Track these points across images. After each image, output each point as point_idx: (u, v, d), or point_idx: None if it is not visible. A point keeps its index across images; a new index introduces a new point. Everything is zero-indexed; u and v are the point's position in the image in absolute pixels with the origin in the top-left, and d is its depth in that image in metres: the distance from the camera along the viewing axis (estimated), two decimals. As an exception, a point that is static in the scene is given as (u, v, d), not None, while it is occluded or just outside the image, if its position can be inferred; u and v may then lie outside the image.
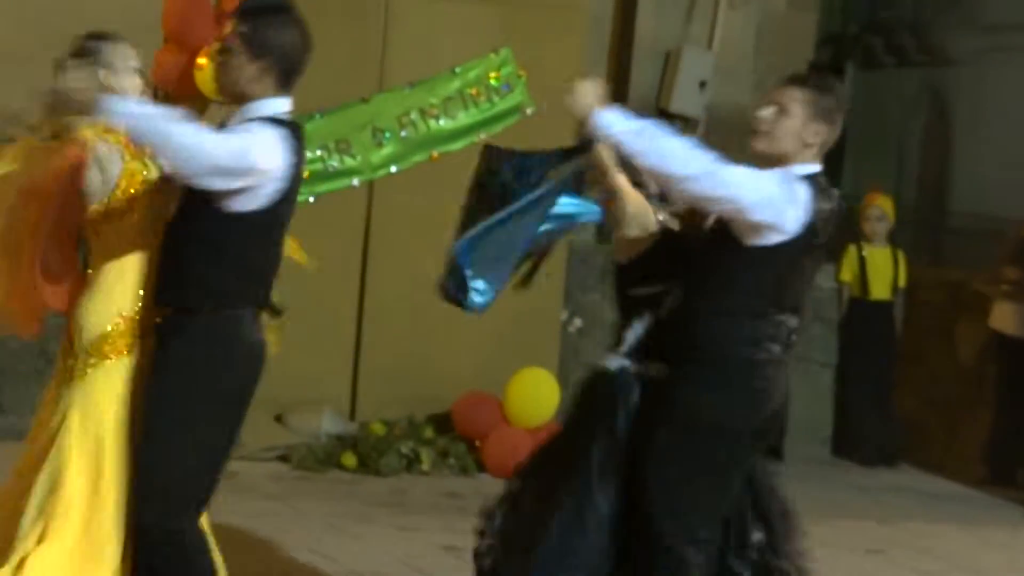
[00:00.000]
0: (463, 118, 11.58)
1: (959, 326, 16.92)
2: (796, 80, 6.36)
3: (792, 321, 6.09)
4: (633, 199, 6.08)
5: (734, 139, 15.84)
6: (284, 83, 5.60)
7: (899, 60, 25.16)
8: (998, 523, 13.80)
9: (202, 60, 10.68)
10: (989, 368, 15.67)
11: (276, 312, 6.38)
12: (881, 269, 16.43)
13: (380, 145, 11.27)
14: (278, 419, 13.82)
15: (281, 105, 5.59)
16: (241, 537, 10.53)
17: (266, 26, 5.54)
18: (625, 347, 6.14)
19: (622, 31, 16.45)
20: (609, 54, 16.29)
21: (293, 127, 5.62)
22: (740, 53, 17.02)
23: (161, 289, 5.60)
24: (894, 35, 25.76)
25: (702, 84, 16.80)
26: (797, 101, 6.03)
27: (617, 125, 5.75)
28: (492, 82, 11.68)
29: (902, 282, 16.43)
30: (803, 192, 5.70)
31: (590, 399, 6.31)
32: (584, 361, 12.95)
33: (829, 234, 6.15)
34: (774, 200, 5.67)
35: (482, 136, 10.95)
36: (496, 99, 11.65)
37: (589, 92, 5.89)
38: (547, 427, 12.55)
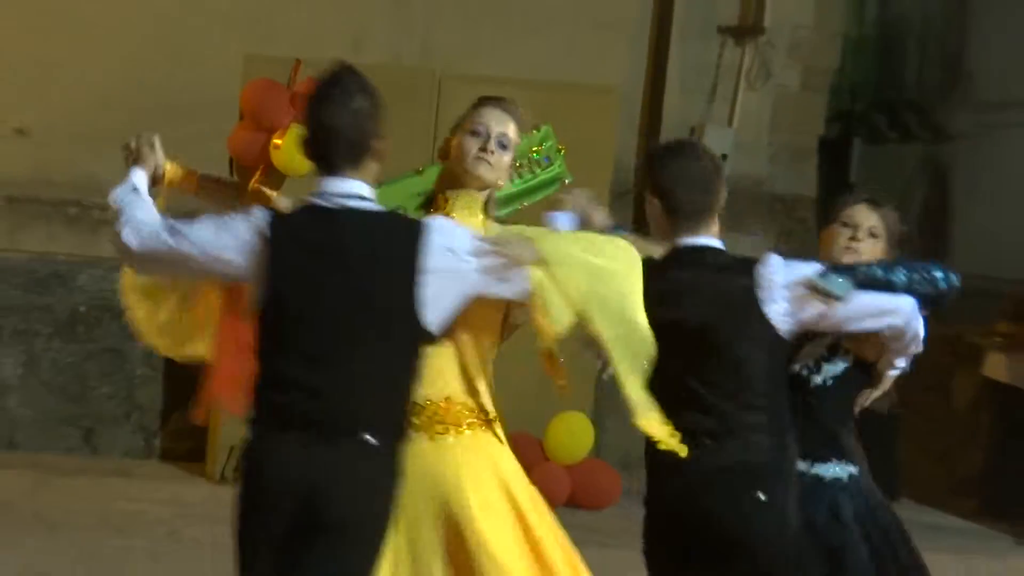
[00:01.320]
0: (508, 187, 12.26)
1: (955, 377, 17.12)
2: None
3: None
4: None
5: (749, 205, 16.66)
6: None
7: (902, 136, 25.81)
8: (990, 551, 14.31)
9: (277, 140, 12.25)
10: (983, 414, 15.95)
11: None
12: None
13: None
14: None
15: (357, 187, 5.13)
16: None
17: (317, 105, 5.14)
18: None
19: (650, 111, 16.52)
20: (639, 132, 16.21)
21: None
22: (757, 129, 17.05)
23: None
24: (897, 113, 26.38)
25: (723, 157, 15.46)
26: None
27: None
28: (534, 155, 11.82)
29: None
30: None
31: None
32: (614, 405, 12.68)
33: None
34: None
35: (524, 203, 12.56)
36: (538, 170, 11.87)
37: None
38: (582, 464, 13.70)
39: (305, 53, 12.88)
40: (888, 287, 5.28)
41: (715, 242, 5.39)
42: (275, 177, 11.97)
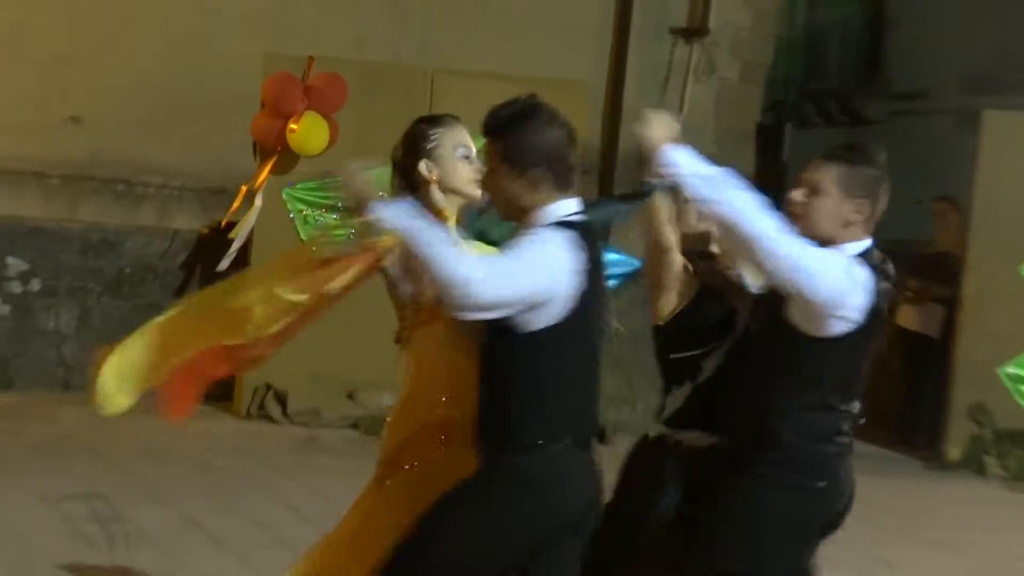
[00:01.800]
0: None
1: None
2: (827, 156, 5.08)
3: (856, 406, 5.03)
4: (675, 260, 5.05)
5: None
6: (562, 184, 4.50)
7: (826, 122, 26.52)
8: (905, 474, 14.68)
9: (293, 125, 12.39)
10: (896, 358, 16.21)
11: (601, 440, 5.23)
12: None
13: None
14: (350, 396, 13.34)
15: (565, 207, 4.47)
16: (321, 486, 10.85)
17: (522, 138, 4.47)
18: (664, 414, 5.22)
19: (612, 101, 16.85)
20: (603, 118, 16.62)
21: (582, 227, 4.50)
22: (703, 116, 17.25)
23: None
24: (823, 102, 26.99)
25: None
26: (829, 178, 4.88)
27: (688, 166, 4.65)
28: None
29: None
30: (862, 275, 4.66)
31: (634, 470, 5.33)
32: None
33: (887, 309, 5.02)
34: (842, 291, 4.62)
35: None
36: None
37: (661, 126, 4.71)
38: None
39: (317, 51, 13.10)
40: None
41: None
42: (290, 157, 12.81)
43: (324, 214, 11.60)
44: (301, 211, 12.79)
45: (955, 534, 12.59)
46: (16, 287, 12.99)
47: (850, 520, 5.45)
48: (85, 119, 14.23)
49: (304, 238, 12.15)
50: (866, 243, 4.94)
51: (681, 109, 16.68)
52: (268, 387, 13.05)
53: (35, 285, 13.06)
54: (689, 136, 15.94)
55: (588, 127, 14.78)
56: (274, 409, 13.12)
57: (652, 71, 16.83)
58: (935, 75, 24.70)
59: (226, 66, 13.34)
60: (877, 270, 4.83)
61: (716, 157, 15.68)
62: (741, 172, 15.92)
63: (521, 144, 4.43)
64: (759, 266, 4.66)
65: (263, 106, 12.55)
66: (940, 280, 16.27)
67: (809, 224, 4.85)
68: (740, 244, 4.66)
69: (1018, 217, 14.17)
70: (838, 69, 27.04)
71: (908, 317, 16.39)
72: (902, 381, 16.59)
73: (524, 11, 15.66)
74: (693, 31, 16.78)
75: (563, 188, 4.50)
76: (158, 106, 13.98)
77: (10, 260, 12.94)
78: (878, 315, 4.82)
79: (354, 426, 13.01)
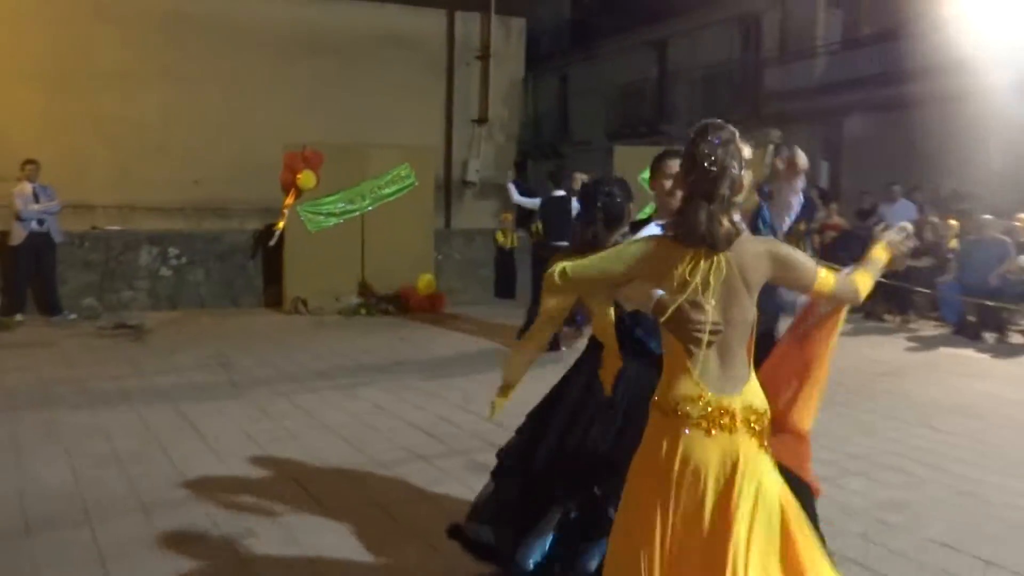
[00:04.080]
0: (392, 189, 12.90)
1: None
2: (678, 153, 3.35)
3: None
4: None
5: (493, 192, 16.39)
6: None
7: (544, 155, 25.98)
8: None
9: (299, 176, 12.23)
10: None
11: None
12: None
13: (363, 199, 12.61)
14: (337, 299, 12.51)
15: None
16: (326, 340, 10.64)
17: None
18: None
19: (447, 156, 16.40)
20: (444, 166, 16.16)
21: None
22: (488, 160, 16.83)
23: None
24: (542, 147, 26.93)
25: (476, 174, 16.77)
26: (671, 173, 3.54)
27: None
28: (403, 173, 12.81)
29: (515, 243, 14.22)
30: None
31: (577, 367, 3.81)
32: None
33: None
34: None
35: (390, 199, 12.61)
36: (404, 181, 13.00)
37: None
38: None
39: (307, 140, 12.65)
40: None
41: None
42: (299, 191, 12.32)
43: (316, 216, 12.25)
44: (307, 216, 12.46)
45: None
46: (174, 262, 12.79)
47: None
48: (201, 181, 14.86)
49: (309, 230, 12.20)
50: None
51: (478, 156, 16.76)
52: (298, 297, 12.56)
53: (183, 260, 12.85)
54: (485, 171, 15.46)
55: (436, 171, 14.39)
56: (301, 308, 12.56)
57: (464, 140, 16.93)
58: (592, 131, 25.47)
59: (265, 150, 13.11)
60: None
61: (498, 180, 15.48)
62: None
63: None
64: None
65: (284, 167, 12.43)
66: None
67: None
68: None
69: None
70: (548, 130, 27.68)
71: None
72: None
73: (406, 113, 15.66)
74: (482, 120, 16.97)
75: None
76: (236, 171, 14.49)
77: (171, 250, 12.77)
78: None
79: (339, 313, 12.42)
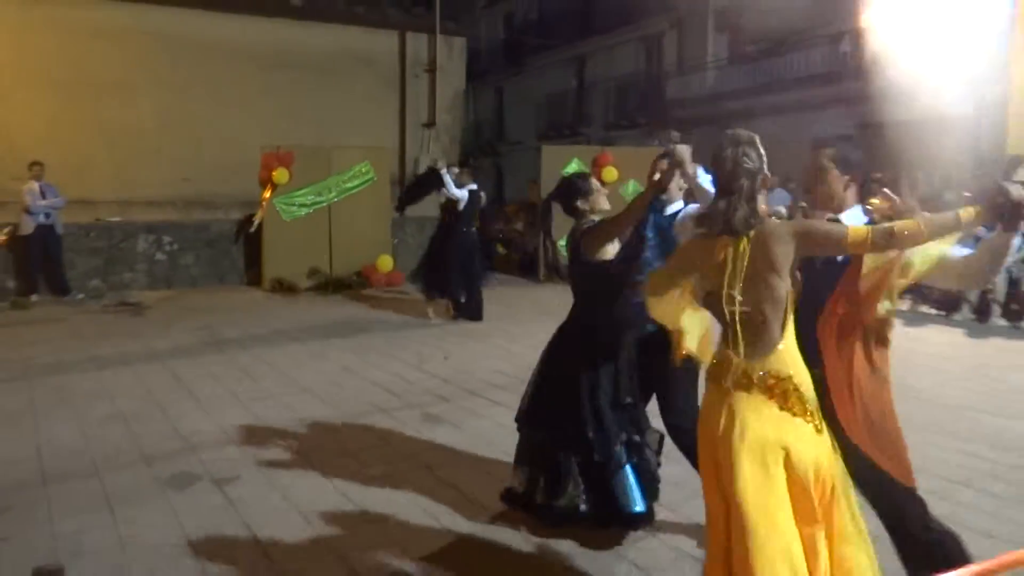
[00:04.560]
0: (355, 183, 12.65)
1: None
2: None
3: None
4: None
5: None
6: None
7: (485, 154, 25.83)
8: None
9: (274, 173, 12.04)
10: None
11: None
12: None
13: (330, 192, 12.40)
14: (308, 277, 12.41)
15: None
16: (297, 311, 10.60)
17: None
18: None
19: (401, 154, 16.13)
20: (399, 162, 15.90)
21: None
22: (439, 158, 15.96)
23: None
24: (482, 147, 26.37)
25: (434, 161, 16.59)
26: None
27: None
28: (363, 170, 12.63)
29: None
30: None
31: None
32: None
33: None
34: None
35: (352, 192, 12.37)
36: (365, 177, 12.77)
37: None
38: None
39: (281, 142, 12.56)
40: None
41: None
42: (274, 186, 12.13)
43: (290, 207, 12.01)
44: (282, 207, 12.26)
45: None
46: (168, 248, 12.57)
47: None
48: (190, 178, 14.53)
49: (284, 219, 12.01)
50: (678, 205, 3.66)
51: (428, 155, 16.15)
52: (276, 278, 12.37)
53: (176, 246, 12.62)
54: (435, 166, 14.67)
55: (391, 169, 14.47)
56: (277, 285, 12.33)
57: (415, 141, 16.73)
58: (524, 133, 25.31)
59: (245, 151, 12.84)
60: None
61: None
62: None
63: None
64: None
65: (261, 166, 12.26)
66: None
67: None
68: None
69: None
70: (487, 133, 27.56)
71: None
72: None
73: (366, 119, 15.51)
74: (430, 124, 16.77)
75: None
76: (220, 169, 14.20)
77: (165, 237, 12.53)
78: None
79: (308, 289, 12.26)
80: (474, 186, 9.79)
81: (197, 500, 4.16)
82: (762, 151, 2.51)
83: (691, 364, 2.65)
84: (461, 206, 9.49)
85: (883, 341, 2.59)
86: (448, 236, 9.56)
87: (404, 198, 10.61)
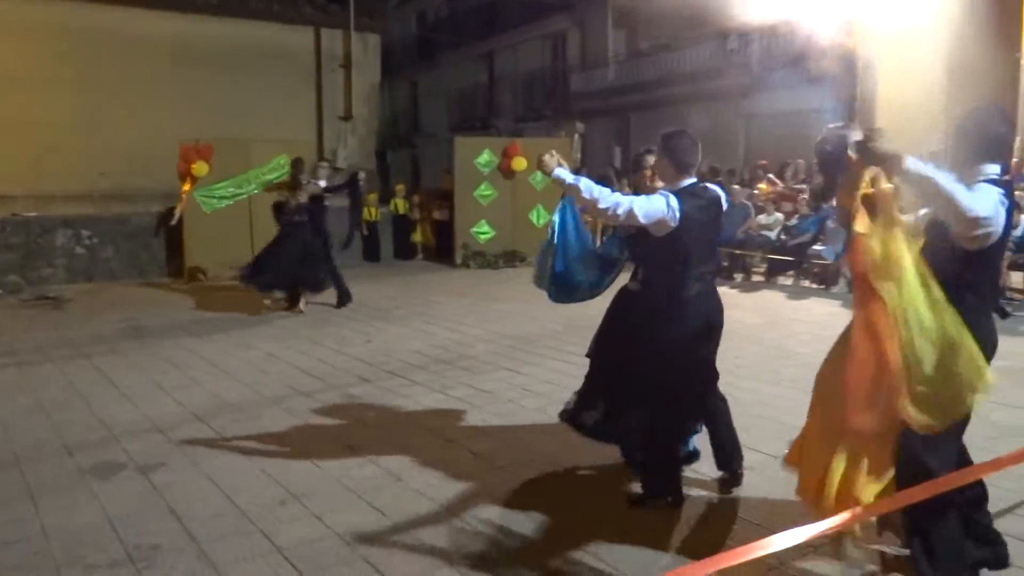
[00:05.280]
0: (274, 175, 12.20)
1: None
2: (652, 151, 3.89)
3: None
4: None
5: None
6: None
7: (402, 146, 25.69)
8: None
9: (193, 166, 11.55)
10: None
11: None
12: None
13: (249, 184, 11.97)
14: (231, 268, 10.80)
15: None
16: (213, 304, 10.25)
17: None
18: (634, 278, 3.67)
19: (319, 148, 15.66)
20: (316, 154, 14.94)
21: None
22: (356, 151, 16.44)
23: None
24: (398, 139, 26.11)
25: (344, 162, 16.21)
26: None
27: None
28: (282, 162, 12.23)
29: (378, 217, 14.65)
30: (672, 200, 3.33)
31: (619, 301, 3.78)
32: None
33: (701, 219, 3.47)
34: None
35: (280, 179, 11.31)
36: (283, 169, 12.22)
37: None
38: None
39: (200, 136, 12.13)
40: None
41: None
42: (194, 179, 11.60)
43: (210, 200, 10.94)
44: (202, 200, 11.20)
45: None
46: (87, 242, 12.19)
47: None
48: (108, 172, 13.88)
49: (205, 211, 11.00)
50: (689, 181, 3.54)
51: (345, 147, 16.28)
52: (197, 268, 12.13)
53: (95, 240, 12.25)
54: (352, 159, 14.75)
55: (309, 158, 13.38)
56: (200, 276, 12.09)
57: (333, 133, 16.38)
58: (437, 126, 25.21)
59: (164, 145, 12.24)
60: (691, 195, 3.49)
61: (362, 165, 14.96)
62: (372, 170, 15.01)
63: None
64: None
65: (180, 159, 11.84)
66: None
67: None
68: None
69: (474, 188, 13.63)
70: (403, 125, 27.25)
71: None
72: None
73: (283, 112, 15.09)
74: (347, 117, 16.48)
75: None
76: (139, 163, 13.58)
77: (83, 231, 12.16)
78: (687, 217, 3.41)
79: (231, 279, 11.32)
80: (322, 182, 9.48)
81: (121, 488, 4.02)
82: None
83: None
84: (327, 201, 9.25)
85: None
86: (300, 234, 9.10)
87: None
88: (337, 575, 3.05)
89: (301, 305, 9.20)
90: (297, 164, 9.60)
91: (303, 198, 9.18)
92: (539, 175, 13.21)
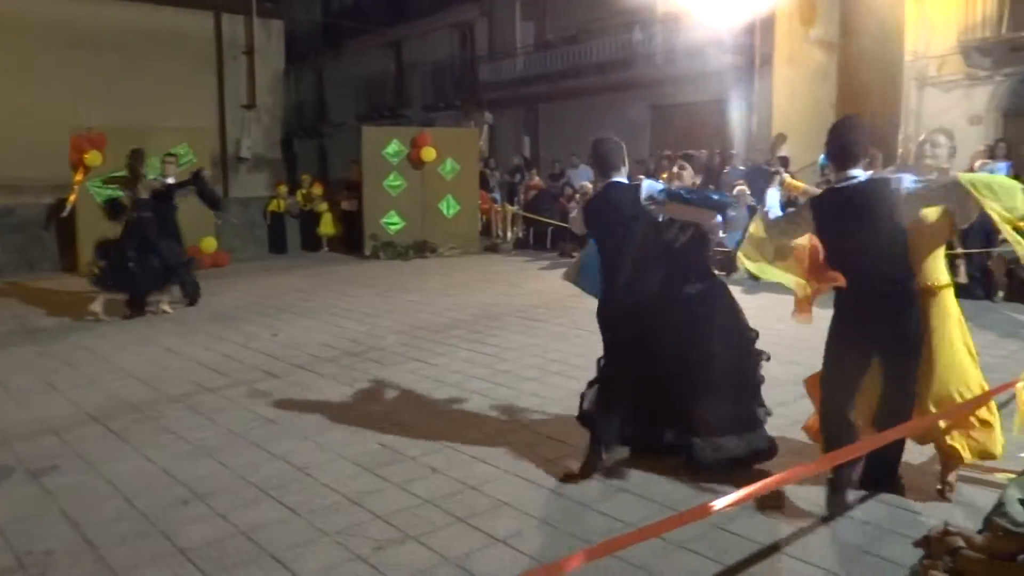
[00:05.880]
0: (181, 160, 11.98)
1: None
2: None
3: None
4: None
5: (266, 166, 16.12)
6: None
7: (309, 135, 25.26)
8: None
9: (86, 156, 11.27)
10: None
11: None
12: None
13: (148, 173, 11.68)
14: None
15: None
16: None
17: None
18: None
19: (221, 137, 15.57)
20: (219, 144, 15.22)
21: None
22: (261, 140, 16.26)
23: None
24: (304, 128, 25.76)
25: (248, 151, 16.06)
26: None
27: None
28: (181, 151, 11.99)
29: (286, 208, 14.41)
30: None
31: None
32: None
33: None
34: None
35: (181, 169, 11.39)
36: (183, 159, 12.00)
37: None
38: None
39: (91, 124, 11.80)
40: (691, 200, 3.65)
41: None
42: (87, 169, 11.30)
43: (103, 191, 10.52)
44: (95, 191, 11.23)
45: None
46: None
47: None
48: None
49: (98, 201, 10.67)
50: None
51: (249, 136, 16.05)
52: (93, 261, 10.43)
53: None
54: (257, 148, 14.65)
55: (212, 149, 14.13)
56: (96, 270, 10.46)
57: (237, 123, 16.08)
58: (345, 115, 24.76)
59: (54, 133, 11.88)
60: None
61: (269, 153, 14.89)
62: (277, 160, 15.11)
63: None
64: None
65: (72, 148, 11.48)
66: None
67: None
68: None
69: (385, 179, 13.46)
70: (310, 114, 26.80)
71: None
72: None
73: (182, 100, 14.76)
74: (250, 106, 16.24)
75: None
76: (27, 152, 12.83)
77: None
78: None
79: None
80: (170, 179, 8.91)
81: (11, 492, 3.84)
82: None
83: None
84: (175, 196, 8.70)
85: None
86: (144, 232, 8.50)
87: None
88: (244, 574, 2.98)
89: (165, 306, 8.66)
90: (136, 156, 8.63)
91: (144, 193, 8.41)
92: (448, 164, 13.67)
